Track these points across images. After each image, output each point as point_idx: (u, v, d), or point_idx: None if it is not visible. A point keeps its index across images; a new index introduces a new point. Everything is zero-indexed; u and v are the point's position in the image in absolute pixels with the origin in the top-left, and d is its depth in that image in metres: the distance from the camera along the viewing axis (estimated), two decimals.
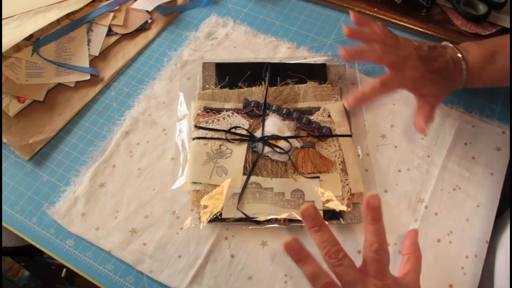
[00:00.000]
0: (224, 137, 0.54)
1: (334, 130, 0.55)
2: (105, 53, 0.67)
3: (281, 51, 0.66)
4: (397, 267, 0.49)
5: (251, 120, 0.56)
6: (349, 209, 0.50)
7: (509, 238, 0.48)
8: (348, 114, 0.57)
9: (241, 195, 0.50)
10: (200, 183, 0.51)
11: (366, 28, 0.52)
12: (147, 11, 0.71)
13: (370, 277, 0.41)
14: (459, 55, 0.54)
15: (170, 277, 0.49)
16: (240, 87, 0.59)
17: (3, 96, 0.60)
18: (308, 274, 0.42)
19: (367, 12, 0.70)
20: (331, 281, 0.41)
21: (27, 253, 0.88)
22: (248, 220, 0.49)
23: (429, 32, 0.67)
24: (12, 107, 0.60)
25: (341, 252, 0.41)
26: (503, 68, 0.54)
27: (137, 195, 0.54)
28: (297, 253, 0.43)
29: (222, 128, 0.55)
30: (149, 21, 0.70)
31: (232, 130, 0.54)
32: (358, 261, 0.49)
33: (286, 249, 0.43)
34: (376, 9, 0.70)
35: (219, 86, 0.59)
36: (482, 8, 0.67)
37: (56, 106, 0.61)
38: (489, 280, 0.49)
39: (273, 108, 0.56)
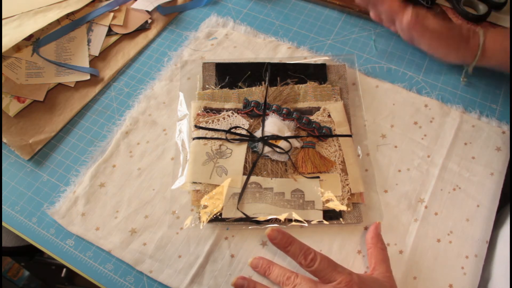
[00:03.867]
0: (224, 137, 0.54)
1: (334, 130, 0.55)
2: (105, 53, 0.67)
3: (281, 51, 0.66)
4: (395, 266, 0.49)
5: (251, 120, 0.56)
6: (349, 209, 0.50)
7: (508, 231, 0.48)
8: (348, 114, 0.57)
9: (241, 195, 0.50)
10: (200, 183, 0.51)
11: None
12: (147, 11, 0.71)
13: (326, 284, 0.43)
14: (475, 28, 0.58)
15: (170, 277, 0.49)
16: (240, 87, 0.59)
17: (3, 96, 0.60)
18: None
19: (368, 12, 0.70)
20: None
21: (27, 253, 0.88)
22: (248, 220, 0.49)
23: None
24: (12, 107, 0.60)
25: (292, 276, 0.44)
26: None
27: (137, 195, 0.54)
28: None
29: (222, 128, 0.55)
30: (149, 21, 0.70)
31: (232, 130, 0.54)
32: (358, 261, 0.50)
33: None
34: None
35: (219, 86, 0.59)
36: (482, 8, 0.67)
37: (56, 106, 0.61)
38: (486, 270, 0.49)
39: (273, 108, 0.56)
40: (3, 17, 0.65)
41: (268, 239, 0.46)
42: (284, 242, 0.45)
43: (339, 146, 0.54)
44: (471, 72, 0.61)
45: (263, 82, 0.59)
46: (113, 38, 0.68)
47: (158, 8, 0.71)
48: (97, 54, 0.66)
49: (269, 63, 0.60)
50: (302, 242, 0.46)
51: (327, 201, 0.50)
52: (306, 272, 0.45)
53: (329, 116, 0.56)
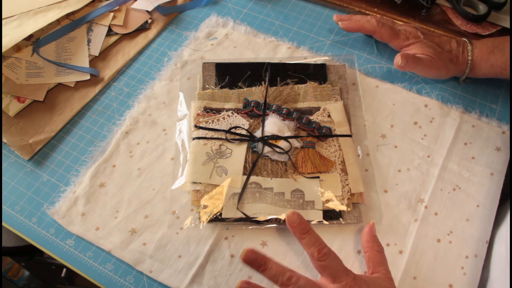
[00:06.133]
0: (224, 137, 0.54)
1: (334, 130, 0.55)
2: (105, 53, 0.67)
3: (281, 51, 0.66)
4: (395, 266, 0.49)
5: (251, 120, 0.56)
6: (349, 209, 0.50)
7: (508, 231, 0.48)
8: (348, 114, 0.57)
9: (241, 195, 0.50)
10: (200, 183, 0.51)
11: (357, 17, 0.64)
12: (147, 11, 0.71)
13: (330, 284, 0.42)
14: (464, 39, 0.60)
15: (170, 277, 0.49)
16: (240, 87, 0.59)
17: (3, 96, 0.60)
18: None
19: (367, 12, 0.70)
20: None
21: (27, 253, 0.88)
22: (248, 220, 0.49)
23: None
24: (12, 107, 0.60)
25: (293, 277, 0.43)
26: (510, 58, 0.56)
27: (137, 195, 0.54)
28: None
29: (222, 128, 0.55)
30: (149, 21, 0.70)
31: (232, 130, 0.54)
32: (357, 262, 0.50)
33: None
34: (376, 9, 0.70)
35: (219, 86, 0.59)
36: (482, 8, 0.67)
37: (56, 106, 0.61)
38: (485, 269, 0.49)
39: (273, 108, 0.56)
40: (3, 17, 0.65)
41: (287, 221, 0.45)
42: (302, 229, 0.44)
43: (339, 146, 0.54)
44: (462, 83, 0.63)
45: (263, 82, 0.59)
46: (113, 38, 0.68)
47: (158, 8, 0.71)
48: (97, 54, 0.66)
49: (269, 63, 0.60)
50: (318, 235, 0.44)
51: (327, 201, 0.50)
52: (307, 269, 0.45)
53: (329, 116, 0.56)
